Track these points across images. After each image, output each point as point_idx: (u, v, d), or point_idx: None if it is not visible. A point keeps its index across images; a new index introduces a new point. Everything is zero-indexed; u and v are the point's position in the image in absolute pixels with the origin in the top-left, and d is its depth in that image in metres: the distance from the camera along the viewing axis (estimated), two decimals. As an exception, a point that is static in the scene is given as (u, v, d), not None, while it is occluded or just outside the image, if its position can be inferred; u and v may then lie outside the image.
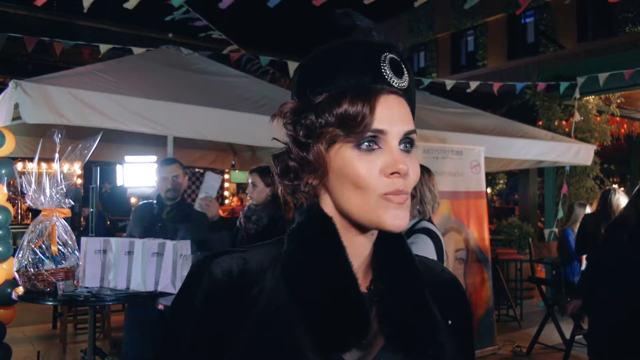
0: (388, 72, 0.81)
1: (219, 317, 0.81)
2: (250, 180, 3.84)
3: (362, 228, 0.83)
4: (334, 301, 0.78)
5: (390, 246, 0.87)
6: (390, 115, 0.80)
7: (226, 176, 14.57)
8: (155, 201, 3.93)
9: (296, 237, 0.85)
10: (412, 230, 2.63)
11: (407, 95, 0.84)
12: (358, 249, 0.85)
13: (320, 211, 0.85)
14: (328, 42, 0.85)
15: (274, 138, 0.87)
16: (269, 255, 0.86)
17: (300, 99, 0.84)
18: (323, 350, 0.77)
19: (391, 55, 0.82)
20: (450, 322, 0.89)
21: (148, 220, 3.80)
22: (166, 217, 3.80)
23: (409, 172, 0.79)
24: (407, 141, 0.82)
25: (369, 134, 0.78)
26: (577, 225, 5.81)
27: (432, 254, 2.51)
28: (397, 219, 0.79)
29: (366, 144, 0.79)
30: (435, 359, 0.82)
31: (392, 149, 0.79)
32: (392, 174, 0.78)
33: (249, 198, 3.86)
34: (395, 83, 0.81)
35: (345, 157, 0.79)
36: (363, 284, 0.85)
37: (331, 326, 0.77)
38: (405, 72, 0.84)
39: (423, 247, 2.51)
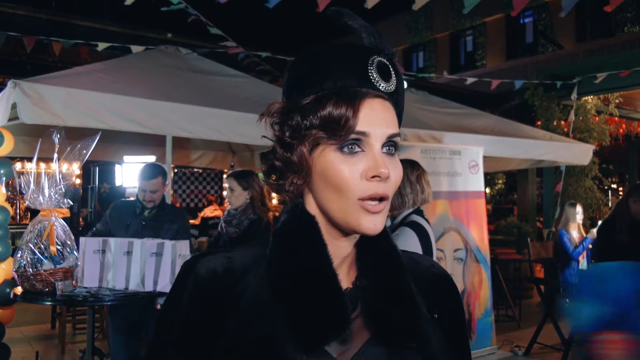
0: (375, 76, 0.82)
1: (203, 316, 0.83)
2: (227, 185, 3.91)
3: (341, 228, 0.84)
4: (313, 297, 0.80)
5: (373, 242, 0.88)
6: (374, 118, 0.81)
7: (225, 176, 14.57)
8: (135, 199, 4.00)
9: (280, 236, 0.87)
10: (399, 224, 2.63)
11: (394, 98, 0.85)
12: (340, 248, 0.86)
13: (304, 210, 0.87)
14: (317, 43, 0.87)
15: (263, 136, 0.89)
16: (254, 255, 0.88)
17: (288, 99, 0.86)
18: (303, 344, 0.78)
19: (379, 59, 0.84)
20: (436, 315, 0.90)
21: (130, 219, 3.87)
22: (148, 216, 3.89)
23: (390, 176, 0.81)
24: (391, 144, 0.83)
25: (352, 136, 0.80)
26: (570, 225, 5.84)
27: (415, 247, 2.50)
28: (373, 223, 0.81)
29: (349, 146, 0.80)
30: (418, 352, 0.83)
31: (374, 152, 0.81)
32: (373, 177, 0.79)
33: (227, 203, 3.91)
34: (382, 87, 0.82)
35: (328, 159, 0.81)
36: (348, 280, 0.88)
37: (310, 321, 0.79)
38: (393, 76, 0.85)
39: (405, 240, 2.50)
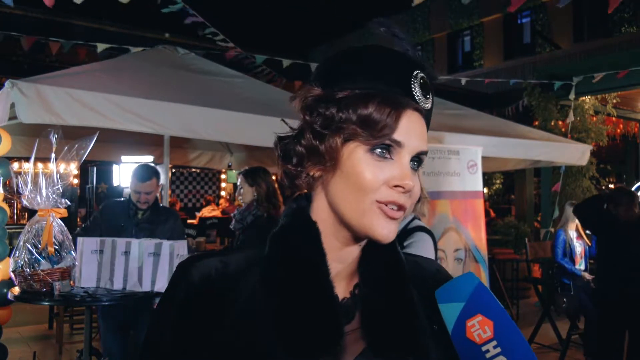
0: (417, 90, 0.82)
1: (194, 320, 0.82)
2: (238, 183, 3.91)
3: (351, 232, 0.82)
4: (306, 307, 0.78)
5: (377, 250, 0.86)
6: (411, 131, 0.81)
7: (223, 176, 14.58)
8: (126, 199, 4.00)
9: (277, 241, 0.85)
10: (408, 229, 2.63)
11: (428, 117, 0.86)
12: (343, 254, 0.85)
13: (306, 216, 0.85)
14: (360, 44, 0.86)
15: (282, 119, 0.88)
16: (249, 259, 0.86)
17: (325, 88, 0.83)
18: (293, 356, 0.76)
19: (422, 74, 0.84)
20: (436, 327, 0.86)
21: (124, 221, 3.85)
22: (141, 218, 3.88)
23: (413, 190, 0.80)
24: (417, 160, 0.83)
25: (387, 141, 0.79)
26: (569, 225, 5.85)
27: (431, 251, 2.53)
28: (387, 230, 0.80)
29: (380, 150, 0.79)
30: None
31: (403, 162, 0.80)
32: (396, 186, 0.79)
33: (240, 200, 3.94)
34: (421, 102, 0.82)
35: (356, 157, 0.79)
36: (347, 288, 0.86)
37: (301, 332, 0.77)
38: (430, 95, 0.85)
39: (424, 246, 2.52)
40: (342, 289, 0.84)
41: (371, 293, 0.84)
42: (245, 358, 0.78)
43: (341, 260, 0.84)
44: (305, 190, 0.87)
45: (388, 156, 0.80)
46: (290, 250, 0.83)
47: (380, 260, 0.86)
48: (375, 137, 0.78)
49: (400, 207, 0.80)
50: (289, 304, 0.79)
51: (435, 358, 0.83)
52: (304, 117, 0.84)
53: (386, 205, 0.79)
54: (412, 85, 0.82)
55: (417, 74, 0.83)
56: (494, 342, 0.79)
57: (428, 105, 0.84)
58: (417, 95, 0.82)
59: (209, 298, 0.82)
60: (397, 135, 0.79)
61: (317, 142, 0.81)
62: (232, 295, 0.82)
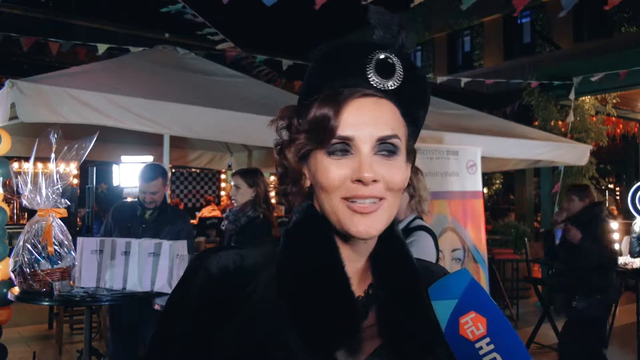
0: (372, 73, 0.79)
1: (211, 311, 0.82)
2: (233, 183, 3.88)
3: (341, 234, 0.83)
4: (323, 300, 0.78)
5: (388, 250, 0.87)
6: (360, 119, 0.78)
7: (223, 176, 14.58)
8: (136, 200, 4.01)
9: (291, 236, 0.86)
10: (409, 228, 2.64)
11: (398, 96, 0.81)
12: (349, 252, 0.85)
13: (315, 211, 0.85)
14: (326, 44, 0.85)
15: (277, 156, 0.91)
16: (266, 254, 0.86)
17: (297, 105, 0.86)
18: (310, 349, 0.77)
19: (382, 56, 0.80)
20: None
21: (130, 220, 3.86)
22: (149, 218, 3.88)
23: (380, 179, 0.78)
24: (385, 146, 0.79)
25: (335, 141, 0.78)
26: None
27: (432, 250, 2.54)
28: (360, 225, 0.78)
29: (335, 150, 0.79)
30: None
31: (361, 155, 0.78)
32: (356, 180, 0.77)
33: (232, 201, 3.89)
34: (379, 85, 0.79)
35: (317, 162, 0.80)
36: (361, 286, 0.86)
37: (320, 324, 0.77)
38: (399, 73, 0.80)
39: (424, 245, 2.53)
40: (355, 288, 0.84)
41: (385, 292, 0.84)
42: (262, 350, 0.78)
43: (349, 259, 0.84)
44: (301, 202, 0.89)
45: (347, 152, 0.78)
46: (303, 243, 0.84)
47: (392, 261, 0.87)
48: (321, 140, 0.78)
49: (377, 199, 0.79)
50: (306, 297, 0.79)
51: (446, 355, 0.84)
52: (280, 137, 0.87)
53: (354, 200, 0.78)
54: (368, 70, 0.79)
55: (373, 56, 0.79)
56: (487, 339, 0.79)
57: (392, 85, 0.80)
58: (372, 78, 0.79)
59: (226, 289, 0.82)
60: (342, 131, 0.77)
61: (285, 160, 0.85)
62: (249, 288, 0.82)
